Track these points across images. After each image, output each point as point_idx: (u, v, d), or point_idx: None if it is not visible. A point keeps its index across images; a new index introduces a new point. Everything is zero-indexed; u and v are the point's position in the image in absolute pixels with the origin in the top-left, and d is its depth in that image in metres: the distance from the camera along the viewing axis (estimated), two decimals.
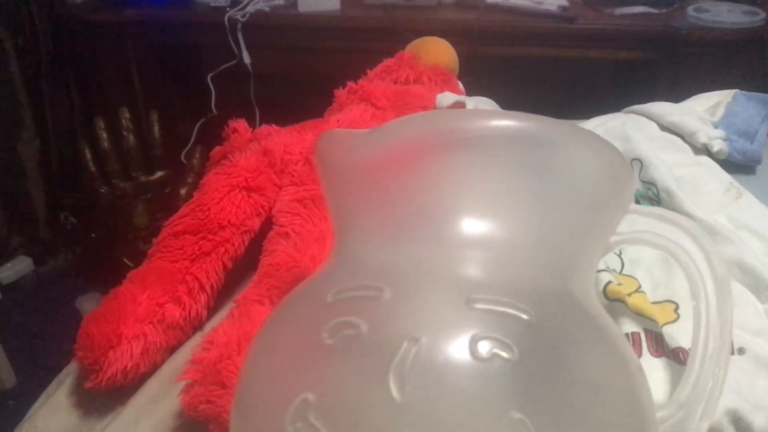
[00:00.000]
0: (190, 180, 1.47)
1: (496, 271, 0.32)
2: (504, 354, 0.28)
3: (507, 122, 0.36)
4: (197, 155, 1.48)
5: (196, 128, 1.61)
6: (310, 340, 0.30)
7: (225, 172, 0.58)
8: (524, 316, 0.30)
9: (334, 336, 0.29)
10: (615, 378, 0.31)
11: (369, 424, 0.27)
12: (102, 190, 1.46)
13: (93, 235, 1.71)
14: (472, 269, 0.32)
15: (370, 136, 0.39)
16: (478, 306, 0.29)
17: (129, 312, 0.49)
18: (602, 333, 0.33)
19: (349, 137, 0.40)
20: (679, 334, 0.43)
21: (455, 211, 0.35)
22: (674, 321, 0.45)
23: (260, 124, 0.67)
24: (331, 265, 0.37)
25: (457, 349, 0.28)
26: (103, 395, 0.49)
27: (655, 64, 1.36)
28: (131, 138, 1.43)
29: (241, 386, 0.33)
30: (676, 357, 0.42)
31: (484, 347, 0.28)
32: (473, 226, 0.34)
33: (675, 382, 0.41)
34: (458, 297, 0.30)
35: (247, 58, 1.47)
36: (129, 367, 0.48)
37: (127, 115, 1.42)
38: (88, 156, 1.43)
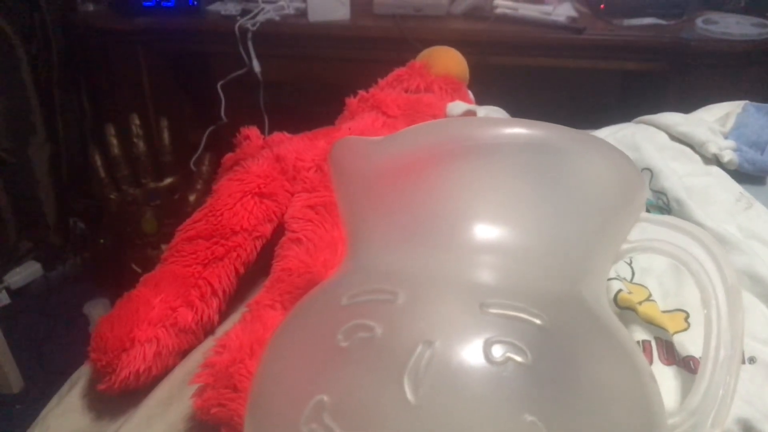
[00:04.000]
0: (199, 186, 1.48)
1: (509, 277, 0.33)
2: (518, 358, 0.28)
3: (519, 130, 0.37)
4: (206, 162, 1.49)
5: (205, 135, 1.62)
6: (325, 343, 0.30)
7: (238, 178, 0.59)
8: (537, 321, 0.30)
9: (349, 338, 0.30)
10: (627, 383, 0.32)
11: (383, 426, 0.27)
12: (111, 196, 1.47)
13: (102, 240, 1.72)
14: (485, 274, 0.33)
15: (383, 143, 0.39)
16: (492, 310, 0.30)
17: (142, 315, 0.50)
18: (614, 339, 0.33)
19: (363, 144, 0.41)
20: (689, 343, 0.43)
21: (468, 217, 0.35)
22: (685, 330, 0.45)
23: (269, 132, 0.68)
24: (345, 270, 0.37)
25: (471, 352, 0.28)
26: (116, 397, 0.50)
27: (664, 76, 1.36)
28: (141, 144, 1.44)
29: (256, 388, 0.33)
30: (687, 365, 0.42)
31: (498, 351, 0.28)
32: (486, 232, 0.35)
33: (685, 390, 0.41)
34: (472, 301, 0.30)
35: (257, 67, 1.48)
36: (142, 369, 0.49)
37: (138, 122, 1.43)
38: (98, 162, 1.44)
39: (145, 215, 1.50)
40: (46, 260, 1.72)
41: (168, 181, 1.49)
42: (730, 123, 0.66)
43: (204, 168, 1.50)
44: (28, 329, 1.57)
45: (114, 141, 1.44)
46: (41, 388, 1.41)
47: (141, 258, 1.49)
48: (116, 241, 1.60)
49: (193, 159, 1.62)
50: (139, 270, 1.48)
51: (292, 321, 0.35)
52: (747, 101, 0.70)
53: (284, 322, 0.35)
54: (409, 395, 0.27)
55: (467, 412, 0.27)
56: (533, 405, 0.27)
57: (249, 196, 0.57)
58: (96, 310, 1.56)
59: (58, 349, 1.51)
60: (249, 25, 1.44)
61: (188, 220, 0.57)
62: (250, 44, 1.46)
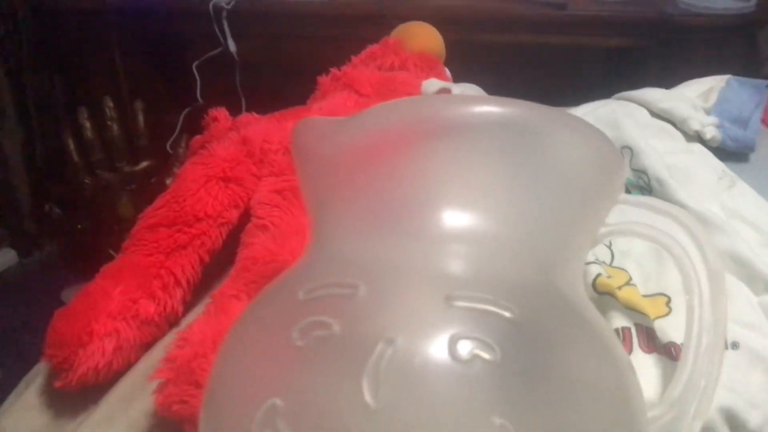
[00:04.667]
0: (175, 170, 1.44)
1: (479, 267, 0.30)
2: (485, 355, 0.26)
3: (491, 108, 0.34)
4: (183, 145, 1.45)
5: (181, 117, 1.58)
6: (279, 342, 0.28)
7: (202, 162, 0.56)
8: (507, 314, 0.28)
9: (305, 337, 0.27)
10: (603, 377, 0.30)
11: (340, 431, 0.25)
12: (86, 181, 1.43)
13: (79, 226, 1.69)
14: (453, 265, 0.30)
15: (347, 124, 0.37)
16: (458, 304, 0.28)
17: (101, 308, 0.48)
18: (590, 330, 0.31)
19: (326, 125, 0.38)
20: (671, 329, 0.42)
21: (436, 202, 0.33)
22: (666, 315, 0.43)
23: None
24: (305, 261, 0.35)
25: (435, 350, 0.26)
26: (76, 394, 0.48)
27: (646, 51, 1.34)
28: (115, 128, 1.40)
29: (209, 390, 0.31)
30: (668, 352, 0.40)
31: (464, 348, 0.26)
32: (455, 218, 0.32)
33: (667, 378, 0.39)
34: (437, 294, 0.28)
35: (232, 46, 1.44)
36: (101, 365, 0.47)
37: (111, 105, 1.39)
38: (72, 146, 1.40)
39: (121, 200, 1.46)
40: (22, 247, 1.68)
41: (144, 164, 1.45)
42: (713, 98, 0.64)
43: (181, 151, 1.45)
44: (5, 317, 1.54)
45: (87, 124, 1.40)
46: (19, 376, 1.39)
47: (119, 243, 1.45)
48: (93, 227, 1.57)
49: (170, 142, 1.58)
50: (116, 255, 1.45)
51: (247, 317, 0.33)
52: (730, 75, 0.68)
53: (240, 318, 0.33)
54: (368, 398, 0.25)
55: (430, 416, 0.25)
56: (502, 406, 0.25)
57: (213, 181, 0.54)
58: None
59: (35, 337, 1.47)
60: (224, 4, 1.40)
61: (150, 207, 0.54)
62: (225, 23, 1.42)
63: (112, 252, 1.51)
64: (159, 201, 0.54)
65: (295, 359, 0.27)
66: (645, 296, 0.45)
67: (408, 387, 0.25)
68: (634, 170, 0.56)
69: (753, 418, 0.38)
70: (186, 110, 1.57)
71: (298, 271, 0.34)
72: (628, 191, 0.55)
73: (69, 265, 1.69)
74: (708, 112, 0.62)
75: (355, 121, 0.37)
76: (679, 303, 0.44)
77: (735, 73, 0.69)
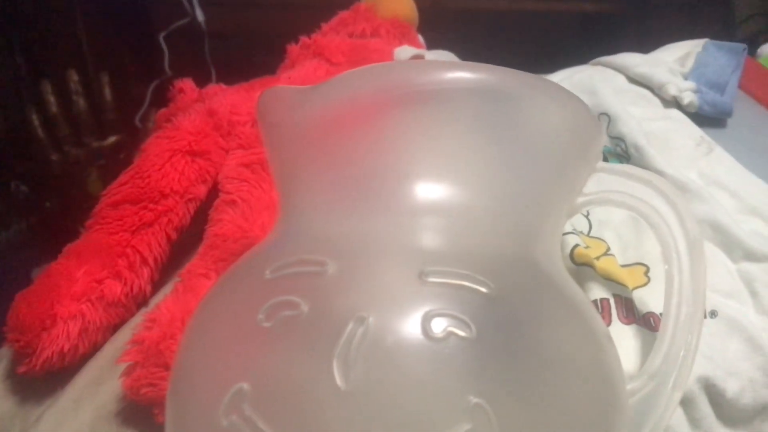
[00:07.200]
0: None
1: (453, 241, 0.29)
2: (460, 332, 0.25)
3: (464, 74, 0.33)
4: (152, 119, 1.42)
5: (150, 90, 1.54)
6: (245, 323, 0.27)
7: (167, 135, 0.54)
8: (483, 289, 0.27)
9: (272, 318, 0.26)
10: (582, 351, 0.29)
11: (311, 415, 0.24)
12: (53, 158, 1.40)
13: (47, 204, 1.65)
14: (427, 239, 0.29)
15: (315, 92, 0.35)
16: (432, 279, 0.27)
17: (64, 290, 0.46)
18: (568, 303, 0.30)
19: (292, 93, 0.36)
20: (650, 299, 0.41)
21: (408, 174, 0.31)
22: (645, 285, 0.42)
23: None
24: (272, 238, 0.34)
25: (408, 328, 0.25)
26: (42, 379, 0.46)
27: (623, 16, 1.33)
28: (81, 102, 1.36)
29: (174, 376, 0.30)
30: (647, 323, 0.40)
31: (438, 325, 0.25)
32: (428, 190, 0.31)
33: (646, 349, 0.39)
34: (410, 270, 0.27)
35: (200, 15, 1.40)
36: (66, 349, 0.45)
37: (76, 78, 1.35)
38: (36, 122, 1.36)
39: (90, 176, 1.43)
40: None
41: (112, 139, 1.41)
42: (690, 63, 0.63)
43: (150, 125, 1.42)
44: None
45: (52, 99, 1.36)
46: None
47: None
48: (62, 204, 1.53)
49: (138, 115, 1.54)
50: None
51: (212, 297, 0.31)
52: (707, 39, 0.66)
53: (205, 299, 0.32)
54: (339, 380, 0.24)
55: (403, 396, 0.24)
56: (478, 384, 0.24)
57: (179, 155, 0.52)
58: None
59: (6, 319, 1.45)
60: None
61: (113, 184, 0.52)
62: None
63: (81, 230, 1.48)
64: (123, 177, 0.52)
65: (262, 341, 0.26)
66: (624, 266, 0.44)
67: (380, 367, 0.24)
68: (612, 137, 0.55)
69: (731, 386, 0.38)
70: (154, 83, 1.53)
71: (265, 248, 0.32)
72: (605, 159, 0.54)
73: (38, 244, 1.65)
74: (685, 76, 0.61)
75: (322, 89, 0.35)
76: (657, 272, 0.43)
77: (712, 36, 0.68)
